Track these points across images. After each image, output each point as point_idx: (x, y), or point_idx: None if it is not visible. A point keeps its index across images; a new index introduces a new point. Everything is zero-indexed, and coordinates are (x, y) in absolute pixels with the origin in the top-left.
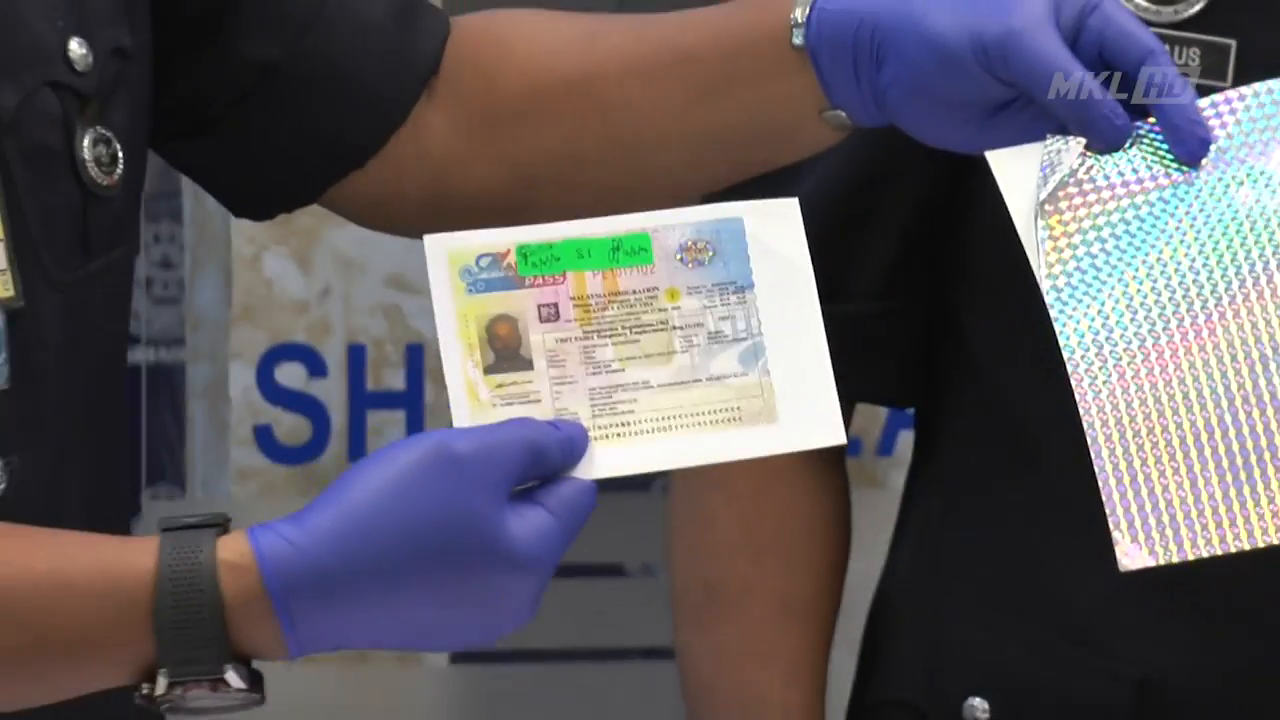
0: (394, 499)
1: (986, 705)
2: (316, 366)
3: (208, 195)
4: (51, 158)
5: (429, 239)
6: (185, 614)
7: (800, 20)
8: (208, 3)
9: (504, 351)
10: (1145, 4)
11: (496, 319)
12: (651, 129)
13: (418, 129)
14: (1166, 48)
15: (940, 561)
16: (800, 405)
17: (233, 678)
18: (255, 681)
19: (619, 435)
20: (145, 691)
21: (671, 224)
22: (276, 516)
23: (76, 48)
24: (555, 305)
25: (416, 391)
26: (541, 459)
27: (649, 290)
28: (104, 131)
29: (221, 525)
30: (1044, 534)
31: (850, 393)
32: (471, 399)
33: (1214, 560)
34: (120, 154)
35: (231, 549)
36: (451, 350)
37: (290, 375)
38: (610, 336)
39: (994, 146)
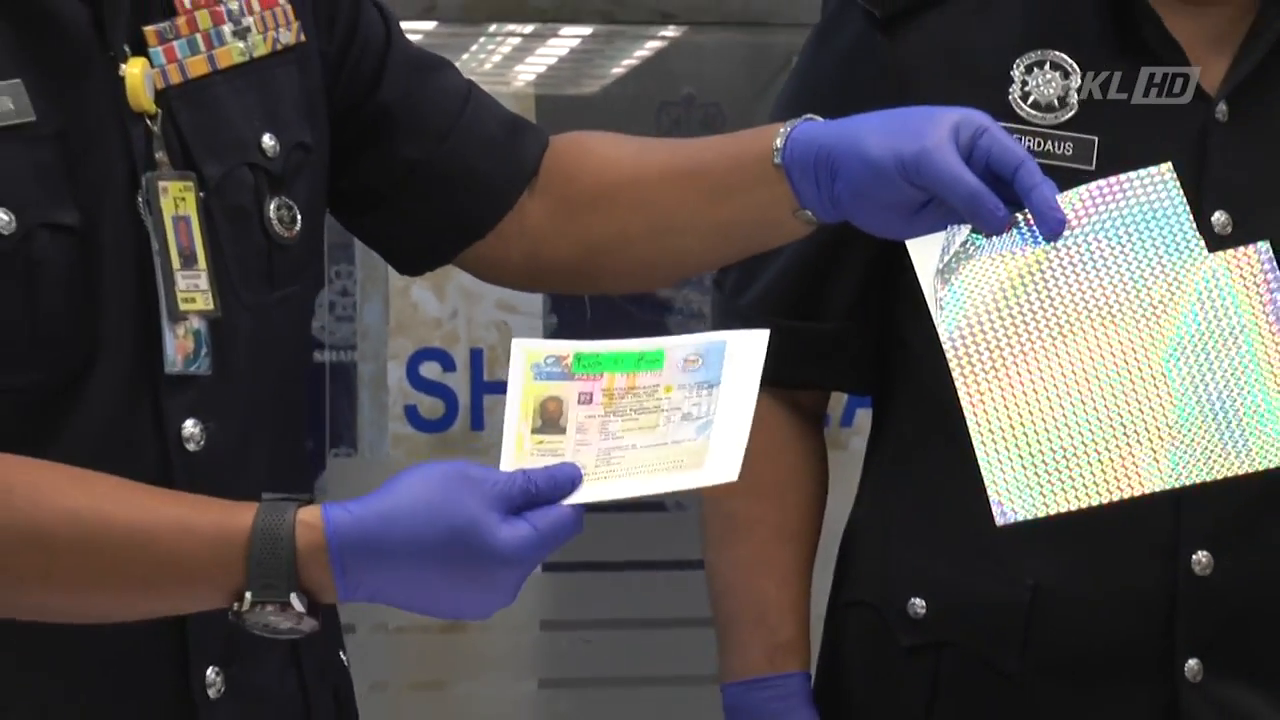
0: (425, 496)
1: (924, 603)
2: (449, 364)
3: None
4: (245, 216)
5: (516, 342)
6: (268, 554)
7: (779, 146)
8: (371, 115)
9: (549, 420)
10: (1033, 112)
11: (549, 398)
12: (678, 220)
13: (521, 213)
14: (1048, 142)
15: (890, 503)
16: (717, 457)
17: (295, 601)
18: (313, 611)
19: (605, 478)
20: (235, 609)
21: (680, 344)
22: None
23: (268, 140)
24: (591, 394)
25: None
26: (530, 489)
27: (655, 386)
28: (287, 200)
29: (305, 501)
30: (959, 482)
31: (824, 384)
32: (518, 449)
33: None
34: (299, 217)
35: (308, 513)
36: (513, 414)
37: (430, 370)
38: (621, 416)
39: (916, 235)
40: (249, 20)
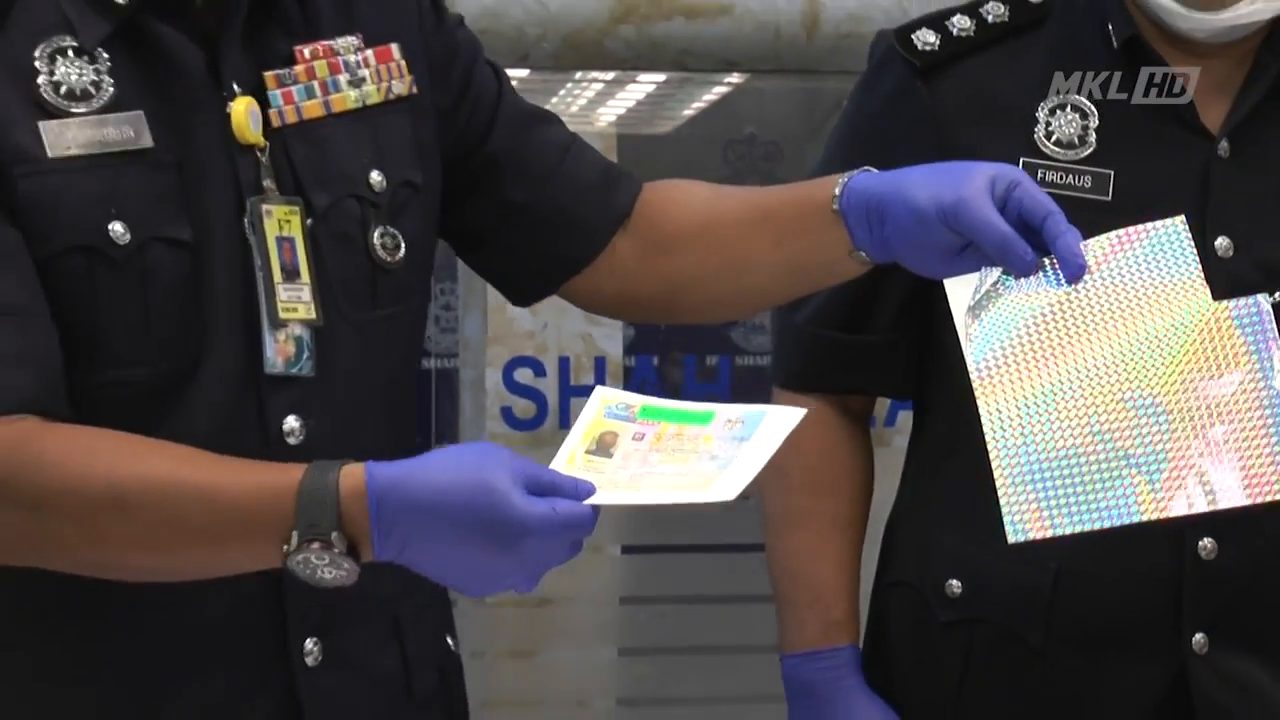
0: (457, 463)
1: (959, 584)
2: (540, 370)
3: None
4: (350, 241)
5: (599, 389)
6: (315, 497)
7: (837, 194)
8: (480, 163)
9: (602, 447)
10: (1055, 149)
11: (609, 431)
12: (748, 259)
13: (613, 251)
14: (1069, 176)
15: (929, 495)
16: (722, 483)
17: (337, 540)
18: (353, 555)
19: (627, 490)
20: (284, 549)
21: (729, 410)
22: None
23: (375, 176)
24: (644, 435)
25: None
26: (552, 481)
27: (698, 436)
28: (391, 229)
29: (347, 460)
30: (989, 476)
31: (871, 391)
32: (569, 460)
33: None
34: (403, 245)
35: (353, 466)
36: (576, 435)
37: (523, 376)
38: (662, 452)
39: (955, 275)
40: (365, 72)
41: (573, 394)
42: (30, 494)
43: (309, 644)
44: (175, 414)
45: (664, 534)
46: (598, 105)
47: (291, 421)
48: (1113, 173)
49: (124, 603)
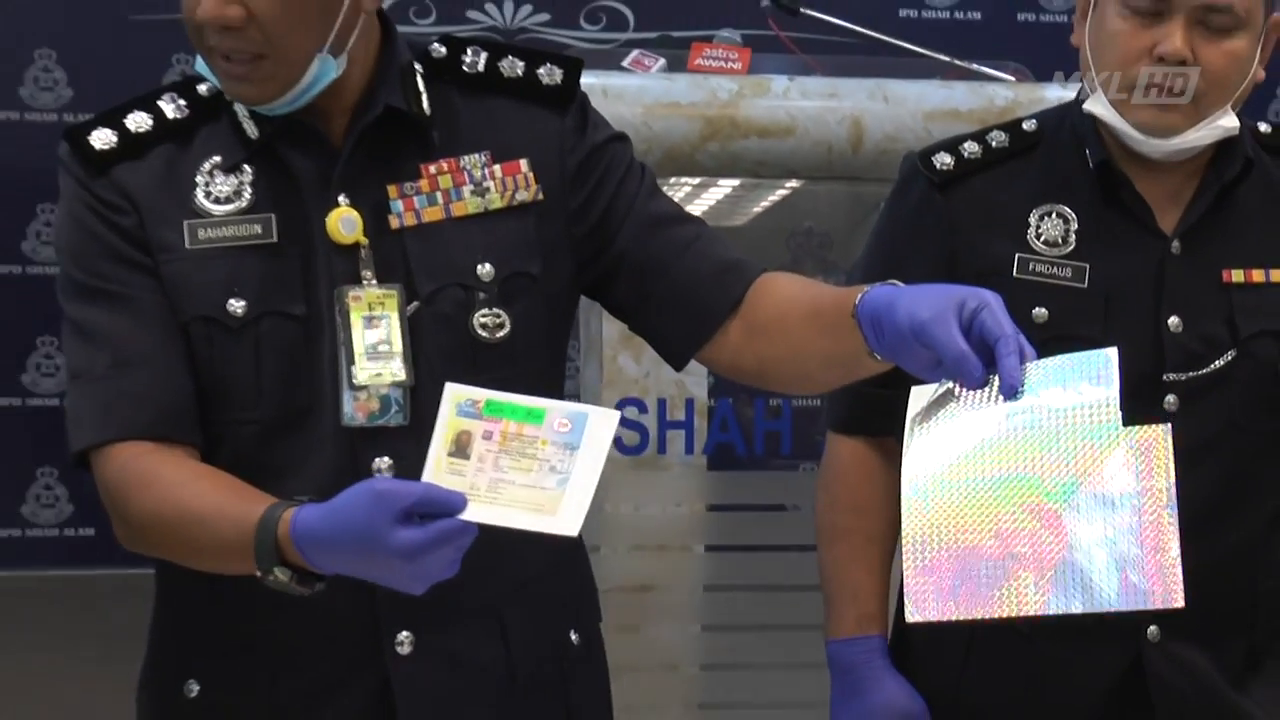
0: (348, 509)
1: None
2: (643, 408)
3: (591, 322)
4: (451, 320)
5: (448, 386)
6: (263, 540)
7: (856, 304)
8: (613, 256)
9: (460, 448)
10: (1044, 247)
11: (463, 430)
12: (804, 349)
13: (726, 331)
14: (1053, 267)
15: None
16: (567, 511)
17: (280, 573)
18: (304, 579)
19: (490, 503)
20: (258, 574)
21: (557, 408)
22: (624, 487)
23: (485, 268)
24: (492, 433)
25: (690, 422)
26: (427, 503)
27: (535, 438)
28: (497, 311)
29: (304, 502)
30: None
31: (883, 433)
32: (437, 467)
33: None
34: (508, 324)
35: (288, 511)
36: (438, 440)
37: (630, 413)
38: (508, 454)
39: (934, 382)
40: (490, 183)
41: (669, 427)
42: (124, 507)
43: (401, 636)
44: (287, 450)
45: (738, 537)
46: (687, 204)
47: (379, 463)
48: (1088, 265)
49: (242, 590)
